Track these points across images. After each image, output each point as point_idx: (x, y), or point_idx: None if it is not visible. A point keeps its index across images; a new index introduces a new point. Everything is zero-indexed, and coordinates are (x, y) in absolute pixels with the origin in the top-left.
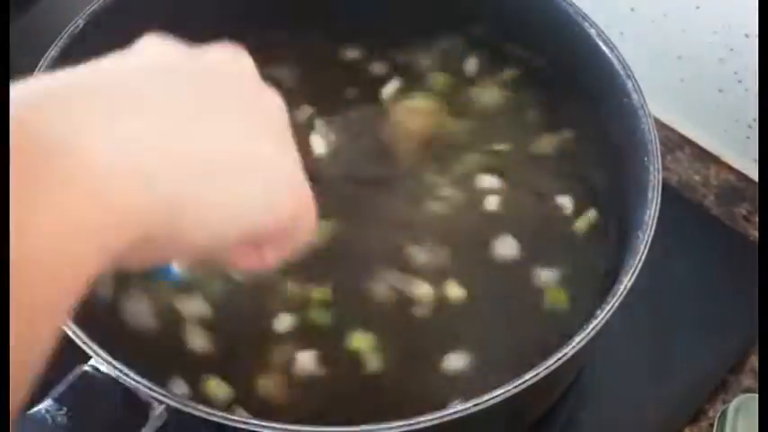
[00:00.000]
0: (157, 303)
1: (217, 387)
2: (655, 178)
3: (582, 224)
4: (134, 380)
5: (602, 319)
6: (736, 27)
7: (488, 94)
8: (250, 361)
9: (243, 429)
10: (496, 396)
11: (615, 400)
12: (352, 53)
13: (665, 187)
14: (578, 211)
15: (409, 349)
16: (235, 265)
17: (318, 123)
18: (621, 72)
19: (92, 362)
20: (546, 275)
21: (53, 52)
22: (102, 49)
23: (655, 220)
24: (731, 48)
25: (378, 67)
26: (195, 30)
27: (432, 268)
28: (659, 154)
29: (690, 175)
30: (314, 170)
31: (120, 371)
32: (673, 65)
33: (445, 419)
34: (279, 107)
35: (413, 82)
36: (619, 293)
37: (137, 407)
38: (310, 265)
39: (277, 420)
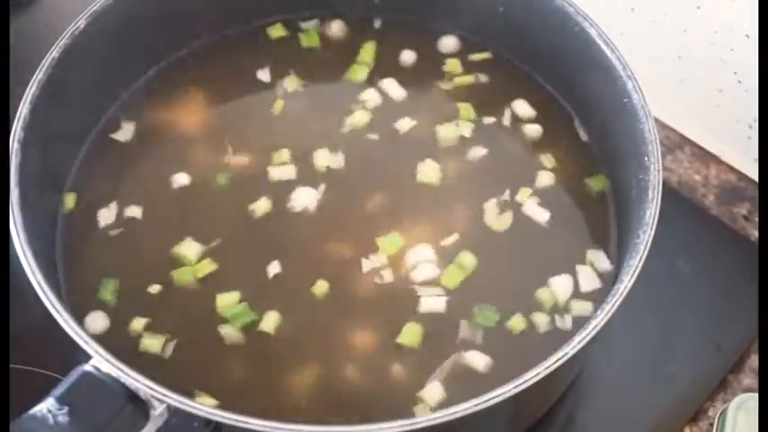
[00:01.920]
0: None
1: None
2: (655, 178)
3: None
4: (135, 379)
5: (603, 318)
6: (736, 27)
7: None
8: None
9: (243, 429)
10: (497, 396)
11: (615, 400)
12: None
13: (665, 187)
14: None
15: None
16: None
17: None
18: (622, 72)
19: (93, 361)
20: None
21: (54, 52)
22: (102, 50)
23: (655, 220)
24: (731, 48)
25: None
26: (194, 28)
27: None
28: (659, 154)
29: (690, 175)
30: None
31: (121, 370)
32: (673, 65)
33: (446, 419)
34: None
35: None
36: (619, 293)
37: (138, 406)
38: None
39: (278, 419)
